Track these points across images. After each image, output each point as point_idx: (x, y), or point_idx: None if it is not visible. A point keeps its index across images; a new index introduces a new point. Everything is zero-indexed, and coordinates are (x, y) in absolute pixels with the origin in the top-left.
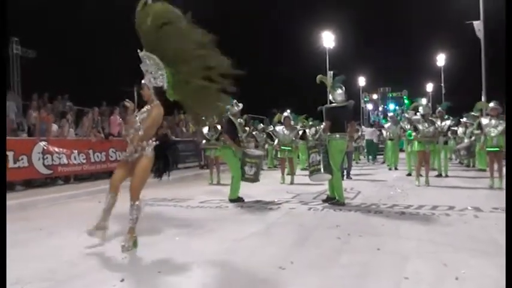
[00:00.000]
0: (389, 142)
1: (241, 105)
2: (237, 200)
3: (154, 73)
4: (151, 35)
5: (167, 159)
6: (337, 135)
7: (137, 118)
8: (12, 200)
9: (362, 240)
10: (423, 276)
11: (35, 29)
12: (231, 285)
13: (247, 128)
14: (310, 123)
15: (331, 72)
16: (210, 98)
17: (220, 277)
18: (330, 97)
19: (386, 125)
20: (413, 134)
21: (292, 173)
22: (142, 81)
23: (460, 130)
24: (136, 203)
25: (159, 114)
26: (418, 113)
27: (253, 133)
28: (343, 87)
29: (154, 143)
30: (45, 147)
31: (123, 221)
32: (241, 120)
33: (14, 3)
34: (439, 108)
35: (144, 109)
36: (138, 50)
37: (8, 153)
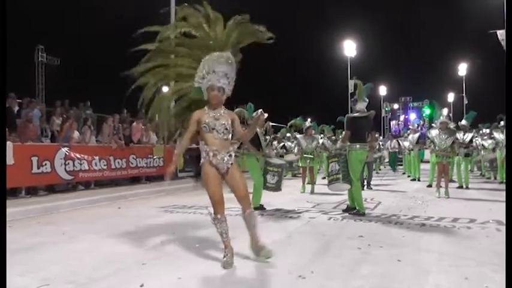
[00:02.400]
0: (411, 153)
1: (266, 114)
2: (258, 208)
3: (231, 79)
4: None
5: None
6: (357, 145)
7: (217, 124)
8: (37, 205)
9: (382, 251)
10: None
11: (59, 36)
12: None
13: (267, 137)
14: (328, 133)
15: (353, 81)
16: None
17: (240, 285)
18: (352, 105)
19: (410, 136)
20: (431, 147)
21: (312, 182)
22: (218, 84)
23: (489, 142)
24: (249, 210)
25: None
26: (434, 125)
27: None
28: (367, 100)
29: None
30: (67, 153)
31: (145, 228)
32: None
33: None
34: (464, 121)
35: (217, 114)
36: (219, 53)
37: (32, 158)
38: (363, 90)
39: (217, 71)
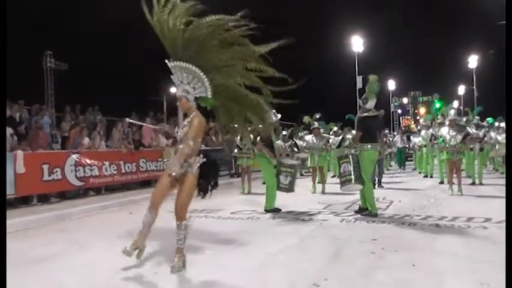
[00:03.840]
0: (423, 149)
1: (279, 115)
2: (273, 210)
3: (194, 83)
4: (177, 41)
5: (209, 178)
6: (369, 146)
7: (180, 133)
8: (49, 212)
9: (397, 255)
10: None
11: (65, 41)
12: None
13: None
14: (335, 128)
15: (361, 77)
16: (256, 107)
17: None
18: (361, 103)
19: (423, 132)
20: (441, 144)
21: (323, 182)
22: (178, 94)
23: (503, 136)
24: (184, 222)
25: (201, 123)
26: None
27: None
28: (376, 99)
29: (201, 160)
30: (77, 160)
31: (156, 235)
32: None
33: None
34: (475, 119)
35: (185, 122)
36: (167, 61)
37: (43, 166)
38: (375, 86)
39: (177, 82)
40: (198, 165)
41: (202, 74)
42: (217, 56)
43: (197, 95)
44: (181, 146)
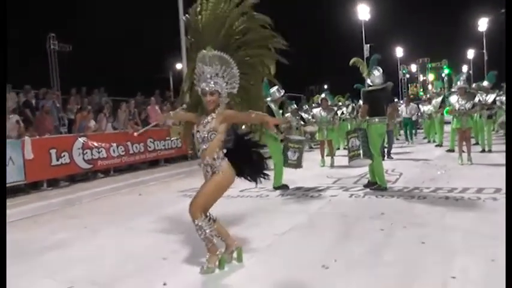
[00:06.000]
0: (434, 118)
1: (283, 91)
2: (281, 187)
3: (228, 78)
4: (223, 29)
5: (254, 163)
6: (376, 119)
7: (200, 132)
8: (59, 197)
9: (406, 232)
10: (471, 276)
11: (68, 22)
12: (272, 287)
13: (280, 111)
14: (347, 102)
15: (368, 45)
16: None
17: (261, 278)
18: (368, 81)
19: (434, 101)
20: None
21: (331, 155)
22: (209, 88)
23: None
24: (196, 221)
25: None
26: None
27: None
28: (380, 69)
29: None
30: (84, 143)
31: (166, 217)
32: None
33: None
34: (485, 82)
35: (208, 118)
36: (204, 50)
37: (51, 151)
38: (370, 63)
39: (208, 74)
40: (225, 160)
41: (236, 69)
42: (248, 53)
43: (228, 91)
44: (204, 147)
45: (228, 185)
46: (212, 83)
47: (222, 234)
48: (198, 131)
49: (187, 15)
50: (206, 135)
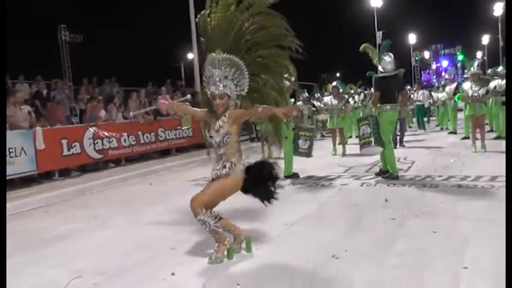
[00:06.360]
0: (447, 105)
1: (293, 78)
2: (292, 176)
3: (237, 80)
4: (233, 32)
5: (266, 187)
6: (388, 107)
7: (214, 136)
8: (71, 187)
9: (417, 221)
10: (483, 266)
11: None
12: (282, 277)
13: (292, 100)
14: (359, 90)
15: (380, 32)
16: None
17: (270, 268)
18: (379, 67)
19: (447, 88)
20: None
21: (343, 143)
22: (218, 91)
23: None
24: (198, 216)
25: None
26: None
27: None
28: (392, 55)
29: (245, 162)
30: (95, 132)
31: (176, 207)
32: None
33: None
34: (501, 67)
35: (220, 123)
36: (213, 54)
37: (62, 141)
38: (380, 50)
39: (218, 77)
40: (243, 167)
41: (246, 70)
42: (260, 53)
43: (237, 93)
44: (222, 151)
45: (233, 192)
46: (221, 86)
47: (229, 226)
48: (211, 137)
49: (198, 16)
50: (222, 140)
